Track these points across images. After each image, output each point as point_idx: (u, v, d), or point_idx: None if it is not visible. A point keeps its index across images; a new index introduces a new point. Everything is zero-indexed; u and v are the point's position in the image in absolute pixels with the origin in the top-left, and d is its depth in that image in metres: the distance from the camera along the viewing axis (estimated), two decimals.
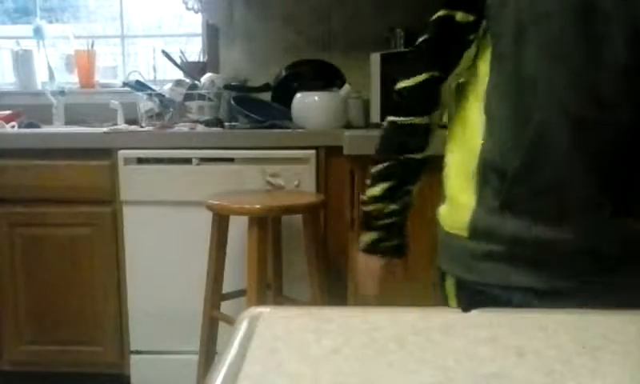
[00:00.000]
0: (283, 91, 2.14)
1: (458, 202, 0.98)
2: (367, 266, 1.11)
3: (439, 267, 1.04)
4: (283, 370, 0.39)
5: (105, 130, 2.00)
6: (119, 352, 2.00)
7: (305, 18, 2.35)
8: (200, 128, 2.03)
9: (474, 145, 0.95)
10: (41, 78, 2.58)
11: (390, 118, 1.03)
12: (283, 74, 2.21)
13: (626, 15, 0.85)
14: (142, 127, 2.11)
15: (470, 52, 0.94)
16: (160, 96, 2.18)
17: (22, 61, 2.55)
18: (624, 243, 0.89)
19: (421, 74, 0.98)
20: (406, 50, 2.06)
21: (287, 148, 1.86)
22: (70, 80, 2.59)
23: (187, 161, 1.88)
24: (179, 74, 2.36)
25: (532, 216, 0.89)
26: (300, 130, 1.94)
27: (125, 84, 2.32)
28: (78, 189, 1.94)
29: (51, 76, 2.56)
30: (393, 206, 1.05)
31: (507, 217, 0.90)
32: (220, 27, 2.45)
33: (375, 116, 2.05)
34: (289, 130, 1.93)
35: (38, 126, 2.28)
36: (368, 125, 2.17)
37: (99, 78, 2.59)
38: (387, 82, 2.02)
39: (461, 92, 1.00)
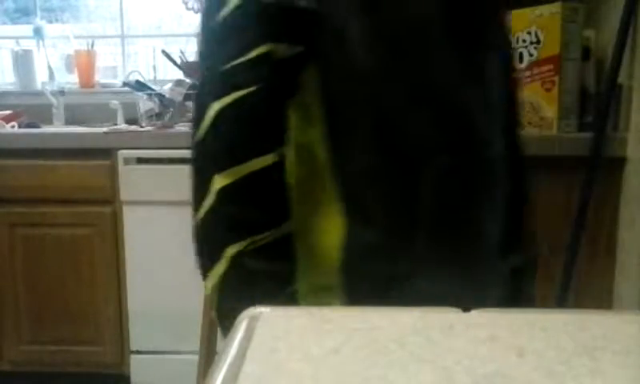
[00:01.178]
0: None
1: None
2: None
3: None
4: (283, 370, 0.39)
5: (105, 130, 2.00)
6: (119, 352, 2.00)
7: None
8: None
9: None
10: (41, 77, 2.58)
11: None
12: None
13: None
14: (141, 127, 2.11)
15: None
16: (160, 96, 2.18)
17: (22, 61, 2.55)
18: None
19: None
20: None
21: None
22: (70, 80, 2.59)
23: (187, 161, 1.87)
24: (179, 74, 2.36)
25: None
26: None
27: (125, 84, 2.32)
28: (77, 189, 1.94)
29: (51, 76, 2.56)
30: None
31: None
32: None
33: None
34: None
35: (38, 126, 2.28)
36: None
37: (99, 78, 2.59)
38: None
39: None
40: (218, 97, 0.66)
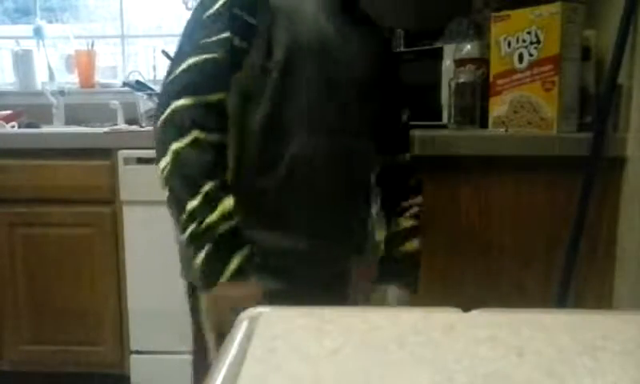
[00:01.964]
0: None
1: None
2: (250, 294, 0.95)
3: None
4: (283, 370, 0.39)
5: (105, 130, 2.00)
6: (119, 352, 2.00)
7: None
8: None
9: None
10: (41, 77, 2.58)
11: (200, 135, 0.99)
12: None
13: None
14: (141, 127, 2.11)
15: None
16: None
17: (22, 61, 2.55)
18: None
19: None
20: (406, 50, 2.06)
21: None
22: (70, 80, 2.59)
23: None
24: None
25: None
26: None
27: (125, 84, 2.32)
28: (78, 189, 1.94)
29: (51, 76, 2.56)
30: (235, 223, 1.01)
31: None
32: None
33: None
34: None
35: (38, 126, 2.28)
36: None
37: (99, 78, 2.59)
38: None
39: None
40: (192, 56, 1.01)
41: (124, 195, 1.92)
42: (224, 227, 0.95)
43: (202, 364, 1.09)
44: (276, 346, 0.43)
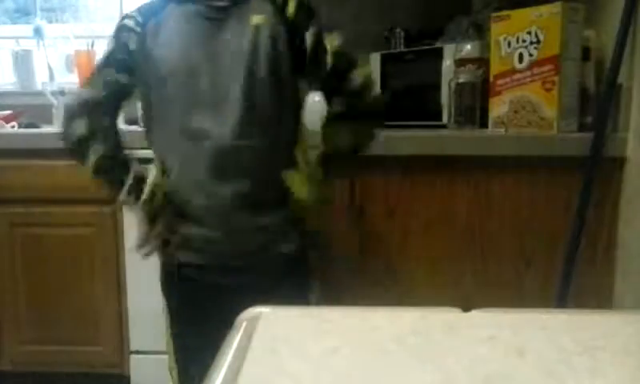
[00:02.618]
0: None
1: None
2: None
3: None
4: (283, 370, 0.39)
5: None
6: (119, 352, 2.00)
7: None
8: None
9: None
10: (41, 78, 2.58)
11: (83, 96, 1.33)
12: None
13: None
14: (141, 127, 2.10)
15: None
16: None
17: (22, 61, 2.55)
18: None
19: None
20: (406, 50, 2.06)
21: None
22: (70, 80, 2.59)
23: None
24: None
25: None
26: None
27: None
28: (78, 189, 1.94)
29: (51, 76, 2.56)
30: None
31: None
32: None
33: None
34: None
35: (38, 126, 2.28)
36: None
37: None
38: (387, 81, 2.03)
39: None
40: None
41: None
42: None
43: None
44: (276, 346, 0.43)
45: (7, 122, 2.22)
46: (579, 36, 1.67)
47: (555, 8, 1.62)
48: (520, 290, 1.69)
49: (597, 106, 1.69)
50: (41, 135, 2.03)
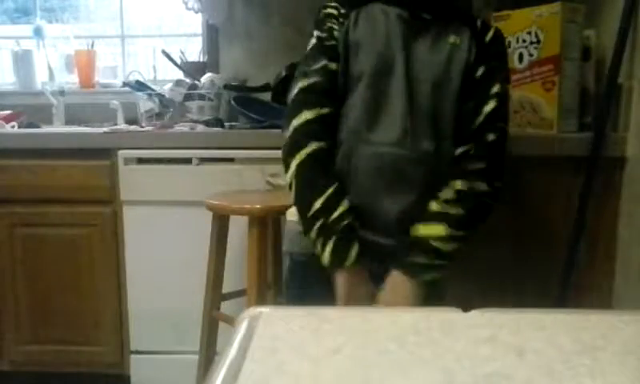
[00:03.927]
0: (283, 91, 2.13)
1: None
2: (362, 280, 1.21)
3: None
4: (283, 370, 0.39)
5: (105, 129, 2.00)
6: (119, 352, 2.00)
7: (305, 18, 2.35)
8: (200, 128, 2.03)
9: None
10: (41, 77, 2.58)
11: (315, 145, 1.21)
12: (283, 73, 2.21)
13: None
14: (142, 127, 2.11)
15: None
16: (160, 96, 2.18)
17: (22, 61, 2.55)
18: None
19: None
20: None
21: None
22: (70, 80, 2.59)
23: (187, 161, 1.88)
24: (179, 74, 2.36)
25: None
26: None
27: (125, 84, 2.32)
28: (77, 189, 1.94)
29: (51, 76, 2.56)
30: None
31: None
32: (220, 27, 2.45)
33: None
34: None
35: (38, 126, 2.28)
36: None
37: (99, 77, 2.59)
38: None
39: None
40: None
41: (124, 195, 1.92)
42: (343, 223, 1.17)
43: None
44: (276, 346, 0.43)
45: (7, 122, 2.22)
46: (579, 36, 1.67)
47: (555, 8, 1.62)
48: (520, 290, 1.69)
49: (597, 106, 1.69)
50: (41, 135, 2.03)
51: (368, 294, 1.20)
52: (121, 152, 1.90)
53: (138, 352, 1.99)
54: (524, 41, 1.69)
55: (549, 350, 0.42)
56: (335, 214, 1.16)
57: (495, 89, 1.23)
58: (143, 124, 2.14)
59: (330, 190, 1.18)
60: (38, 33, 2.55)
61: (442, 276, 1.21)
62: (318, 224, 1.17)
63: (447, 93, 1.22)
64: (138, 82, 2.26)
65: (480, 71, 1.23)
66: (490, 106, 1.23)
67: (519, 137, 1.67)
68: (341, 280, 1.18)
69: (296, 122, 1.21)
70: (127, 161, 1.90)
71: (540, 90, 1.67)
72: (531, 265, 1.69)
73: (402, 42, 1.21)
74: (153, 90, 2.20)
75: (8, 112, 2.31)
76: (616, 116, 1.65)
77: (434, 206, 1.19)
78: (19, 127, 2.25)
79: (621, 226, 1.66)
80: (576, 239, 1.63)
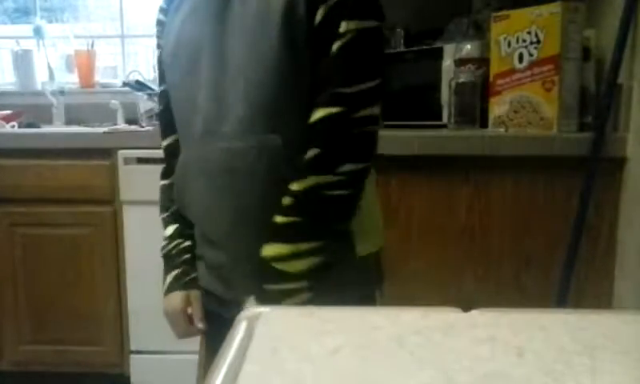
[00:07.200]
0: None
1: None
2: (173, 307, 1.13)
3: None
4: (283, 370, 0.39)
5: (105, 130, 2.00)
6: (119, 352, 2.00)
7: None
8: None
9: None
10: (41, 77, 2.58)
11: (160, 183, 1.15)
12: None
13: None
14: (142, 127, 2.11)
15: None
16: None
17: (22, 61, 2.55)
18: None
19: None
20: (406, 50, 2.06)
21: None
22: (70, 80, 2.59)
23: None
24: None
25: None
26: None
27: (125, 84, 2.32)
28: (78, 189, 1.94)
29: (51, 76, 2.56)
30: (186, 243, 1.10)
31: None
32: None
33: None
34: None
35: (38, 126, 2.28)
36: None
37: (99, 77, 2.59)
38: (387, 81, 2.02)
39: None
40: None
41: (124, 195, 1.92)
42: (164, 250, 1.11)
43: None
44: (276, 346, 0.43)
45: (7, 122, 2.22)
46: (579, 36, 1.67)
47: (555, 8, 1.62)
48: (520, 290, 1.69)
49: (597, 105, 1.69)
50: (41, 135, 2.03)
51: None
52: (121, 152, 1.90)
53: (138, 352, 1.99)
54: (524, 41, 1.69)
55: (549, 350, 0.42)
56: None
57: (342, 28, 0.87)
58: (143, 124, 2.14)
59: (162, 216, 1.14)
60: (37, 33, 2.55)
61: (317, 295, 0.92)
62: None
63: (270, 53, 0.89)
64: (137, 81, 2.26)
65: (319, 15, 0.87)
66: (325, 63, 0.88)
67: (519, 137, 1.67)
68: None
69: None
70: (127, 161, 1.90)
71: (540, 90, 1.67)
72: (531, 265, 1.69)
73: (209, 15, 0.96)
74: (153, 89, 2.20)
75: (8, 112, 2.31)
76: (616, 116, 1.65)
77: (277, 218, 0.91)
78: (19, 127, 2.25)
79: (621, 226, 1.66)
80: (576, 239, 1.63)
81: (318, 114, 0.89)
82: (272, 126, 0.91)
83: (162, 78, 1.10)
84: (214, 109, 0.94)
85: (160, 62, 1.09)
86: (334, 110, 0.88)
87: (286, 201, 0.90)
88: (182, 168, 1.03)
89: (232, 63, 0.92)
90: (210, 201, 0.98)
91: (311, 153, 0.89)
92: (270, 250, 0.91)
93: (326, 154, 0.89)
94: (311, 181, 0.89)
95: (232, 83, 0.92)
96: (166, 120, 1.09)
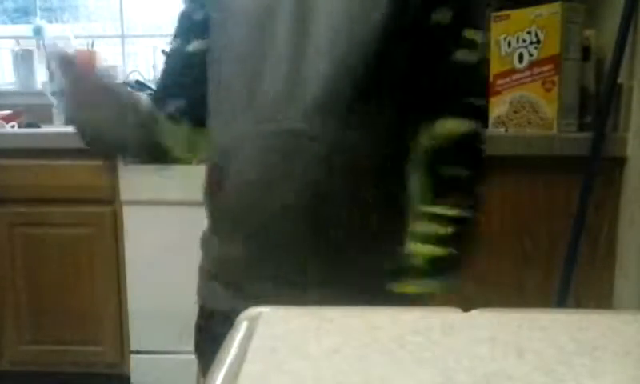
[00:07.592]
0: None
1: None
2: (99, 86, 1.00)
3: None
4: (283, 370, 0.39)
5: None
6: (119, 352, 2.00)
7: None
8: None
9: None
10: (41, 77, 2.58)
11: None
12: None
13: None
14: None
15: None
16: None
17: (22, 61, 2.55)
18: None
19: None
20: None
21: None
22: None
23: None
24: None
25: None
26: None
27: (125, 84, 2.32)
28: (77, 189, 1.94)
29: (51, 76, 2.56)
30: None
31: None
32: None
33: None
34: None
35: (38, 126, 2.28)
36: None
37: None
38: None
39: None
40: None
41: (124, 195, 1.92)
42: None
43: None
44: (276, 346, 0.43)
45: (7, 122, 2.22)
46: (579, 36, 1.67)
47: (555, 8, 1.62)
48: (520, 290, 1.69)
49: (597, 105, 1.69)
50: (41, 135, 2.03)
51: None
52: None
53: (138, 352, 1.99)
54: (524, 41, 1.69)
55: (549, 350, 0.42)
56: None
57: None
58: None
59: None
60: (37, 33, 2.55)
61: None
62: None
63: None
64: (137, 81, 2.26)
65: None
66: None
67: (519, 137, 1.67)
68: None
69: None
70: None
71: (540, 90, 1.67)
72: (531, 264, 1.69)
73: None
74: (153, 89, 2.20)
75: (8, 112, 2.31)
76: (616, 116, 1.65)
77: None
78: (19, 127, 2.25)
79: (621, 225, 1.66)
80: (576, 239, 1.63)
81: (453, 125, 0.82)
82: (349, 111, 0.79)
83: (184, 34, 1.00)
84: (289, 78, 0.80)
85: (188, 16, 0.99)
86: (470, 124, 0.84)
87: (441, 231, 0.89)
88: (232, 141, 0.86)
89: (317, 26, 0.79)
90: (269, 176, 0.82)
91: (457, 171, 0.85)
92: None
93: (473, 174, 0.87)
94: (461, 201, 0.87)
95: (315, 49, 0.79)
96: (173, 82, 1.01)
